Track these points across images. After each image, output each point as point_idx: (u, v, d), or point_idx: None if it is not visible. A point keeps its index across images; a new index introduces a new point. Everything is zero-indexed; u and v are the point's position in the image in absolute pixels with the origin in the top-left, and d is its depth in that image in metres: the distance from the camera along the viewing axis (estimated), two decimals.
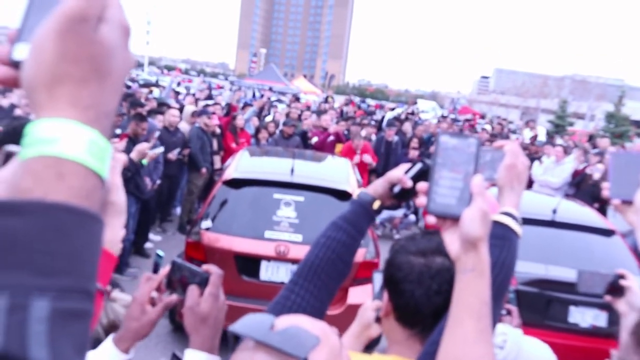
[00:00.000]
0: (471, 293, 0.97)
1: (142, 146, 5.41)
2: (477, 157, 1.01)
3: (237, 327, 0.85)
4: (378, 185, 1.34)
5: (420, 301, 1.19)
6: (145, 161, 5.82)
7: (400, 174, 1.29)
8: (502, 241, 1.22)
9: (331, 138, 9.33)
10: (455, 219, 0.99)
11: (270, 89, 23.18)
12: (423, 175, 1.24)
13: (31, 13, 0.58)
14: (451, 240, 1.00)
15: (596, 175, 8.42)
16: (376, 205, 1.33)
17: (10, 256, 0.44)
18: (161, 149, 6.12)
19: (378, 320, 1.48)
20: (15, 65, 0.56)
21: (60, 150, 0.48)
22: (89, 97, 0.52)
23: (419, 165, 1.27)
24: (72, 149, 0.49)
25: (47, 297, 0.44)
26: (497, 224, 1.26)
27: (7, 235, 0.44)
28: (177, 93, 15.09)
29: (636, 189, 1.46)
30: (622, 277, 1.80)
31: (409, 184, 1.27)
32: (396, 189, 1.30)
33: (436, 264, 1.19)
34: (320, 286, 1.26)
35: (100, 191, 0.52)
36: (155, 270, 2.09)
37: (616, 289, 1.79)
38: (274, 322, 0.85)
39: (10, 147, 0.86)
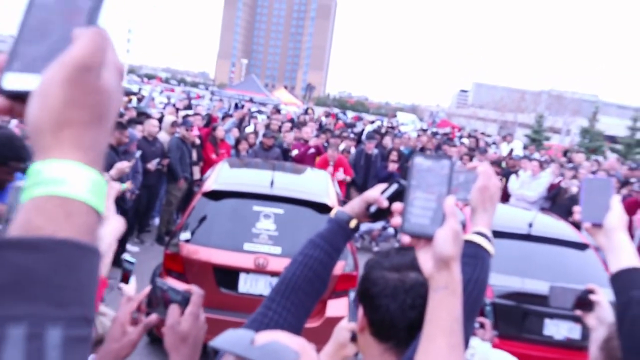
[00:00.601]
0: (444, 310, 1.00)
1: (122, 165, 5.25)
2: (450, 178, 1.04)
3: (217, 342, 0.86)
4: (355, 205, 1.37)
5: (395, 315, 1.21)
6: (125, 185, 5.82)
7: (377, 194, 1.33)
8: (475, 259, 1.27)
9: (312, 151, 9.36)
10: (428, 239, 1.02)
11: (251, 100, 23.14)
12: (399, 195, 1.28)
13: (21, 41, 0.59)
14: (425, 259, 1.03)
15: (573, 190, 8.58)
16: (353, 224, 1.36)
17: (27, 289, 0.48)
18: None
19: (354, 339, 1.50)
20: (4, 93, 0.58)
21: (67, 190, 0.53)
22: (91, 139, 0.56)
23: (395, 186, 1.32)
24: (77, 190, 0.54)
25: (60, 326, 0.48)
26: (470, 243, 1.30)
27: (26, 270, 0.48)
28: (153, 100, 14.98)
29: (605, 213, 1.51)
30: (591, 292, 1.83)
31: (385, 204, 1.31)
32: (372, 209, 1.33)
33: (410, 279, 1.22)
34: (297, 303, 1.28)
35: (99, 225, 0.56)
36: (125, 278, 2.08)
37: (586, 303, 1.83)
38: (254, 337, 0.87)
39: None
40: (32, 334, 0.46)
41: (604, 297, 1.83)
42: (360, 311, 1.29)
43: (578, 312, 1.85)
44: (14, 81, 0.57)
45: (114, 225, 1.49)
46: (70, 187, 0.53)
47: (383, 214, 1.33)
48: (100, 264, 0.56)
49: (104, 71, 0.56)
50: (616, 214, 1.51)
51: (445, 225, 1.01)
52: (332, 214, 1.39)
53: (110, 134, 0.59)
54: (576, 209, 1.55)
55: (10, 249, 0.49)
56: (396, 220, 1.06)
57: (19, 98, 0.58)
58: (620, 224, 1.50)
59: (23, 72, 0.57)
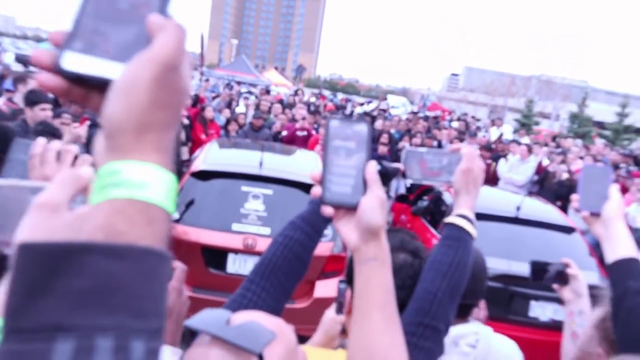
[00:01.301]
0: (375, 283, 0.95)
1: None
2: (369, 142, 0.96)
3: (192, 322, 0.84)
4: None
5: None
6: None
7: None
8: (457, 242, 1.26)
9: (303, 133, 9.30)
10: (351, 208, 0.96)
11: (238, 83, 22.93)
12: (383, 177, 1.25)
13: (84, 20, 0.55)
14: (347, 231, 0.96)
15: (563, 175, 8.64)
16: None
17: (112, 298, 0.47)
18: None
19: (343, 332, 1.48)
20: (63, 73, 0.54)
21: (149, 195, 0.52)
22: (168, 142, 0.55)
23: (377, 167, 1.29)
24: (158, 195, 0.52)
25: (143, 338, 0.47)
26: (452, 226, 1.30)
27: (110, 278, 0.47)
28: None
29: (603, 202, 1.50)
30: (567, 265, 1.92)
31: None
32: None
33: (399, 260, 1.22)
34: (277, 285, 1.26)
35: (169, 228, 0.55)
36: None
37: (562, 277, 1.92)
38: (230, 317, 0.85)
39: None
40: (119, 346, 0.45)
41: (579, 271, 1.91)
42: (349, 293, 1.28)
43: (555, 286, 1.93)
44: (76, 62, 0.53)
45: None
46: (152, 192, 0.52)
47: None
48: (170, 269, 0.55)
49: (182, 69, 0.54)
50: (615, 204, 1.49)
51: (369, 193, 0.94)
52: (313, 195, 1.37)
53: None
54: (574, 197, 1.53)
55: (96, 254, 0.47)
56: (316, 190, 0.98)
57: (78, 81, 0.54)
58: (619, 213, 1.49)
59: (87, 54, 0.53)
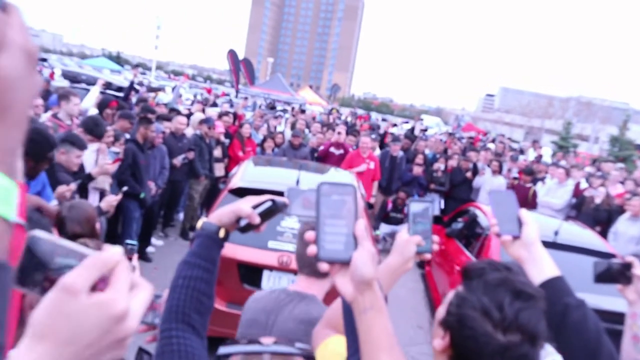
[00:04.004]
0: (377, 329, 1.03)
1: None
2: (356, 203, 1.07)
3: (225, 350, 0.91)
4: (223, 215, 1.32)
5: None
6: (143, 194, 5.97)
7: (249, 209, 1.30)
8: None
9: (340, 151, 9.32)
10: (344, 263, 1.05)
11: (271, 106, 23.17)
12: (270, 213, 1.30)
13: None
14: (343, 283, 1.05)
15: (597, 200, 8.45)
16: (222, 233, 1.32)
17: None
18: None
19: (419, 253, 1.46)
20: None
21: None
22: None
23: (268, 204, 1.31)
24: None
25: None
26: None
27: None
28: (180, 97, 15.18)
29: (519, 225, 1.54)
30: (630, 265, 1.86)
31: (257, 220, 1.29)
32: (242, 223, 1.31)
33: (516, 349, 1.10)
34: (193, 325, 1.24)
35: (7, 234, 0.49)
36: (129, 259, 2.17)
37: (626, 277, 1.86)
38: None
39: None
40: None
41: None
42: (447, 339, 1.20)
43: (618, 286, 1.88)
44: None
45: (144, 295, 1.32)
46: None
47: (252, 228, 1.31)
48: (10, 278, 0.47)
49: (3, 54, 0.47)
50: (533, 227, 1.54)
51: (360, 249, 1.04)
52: (199, 226, 1.34)
53: (21, 126, 0.50)
54: (492, 222, 1.56)
55: None
56: (311, 249, 1.06)
57: None
58: (538, 236, 1.54)
59: None
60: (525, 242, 1.52)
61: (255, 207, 1.31)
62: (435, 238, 1.47)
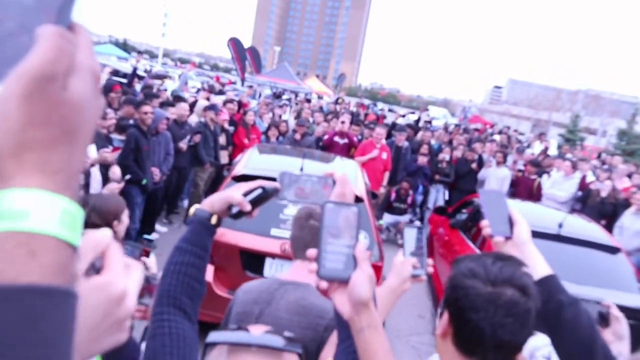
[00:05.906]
0: (374, 347, 1.07)
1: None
2: (359, 223, 1.10)
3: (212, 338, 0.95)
4: (215, 202, 1.34)
5: (485, 332, 1.19)
6: (145, 180, 5.97)
7: (240, 197, 1.32)
8: None
9: (344, 140, 9.30)
10: (343, 282, 1.07)
11: (277, 95, 23.11)
12: (261, 200, 1.32)
13: None
14: (341, 301, 1.09)
15: (603, 193, 8.40)
16: (214, 220, 1.34)
17: None
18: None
19: (414, 277, 1.57)
20: None
21: (31, 225, 0.45)
22: (59, 161, 0.48)
23: (259, 191, 1.33)
24: (43, 223, 0.45)
25: None
26: None
27: None
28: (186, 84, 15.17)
29: (510, 226, 1.54)
30: (609, 308, 1.91)
31: (248, 208, 1.32)
32: (234, 210, 1.33)
33: (505, 296, 1.19)
34: (184, 309, 1.27)
35: (74, 261, 0.49)
36: (146, 253, 2.14)
37: (604, 319, 1.90)
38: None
39: None
40: None
41: (620, 313, 1.91)
42: (446, 317, 1.28)
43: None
44: None
45: (137, 275, 1.37)
46: (34, 221, 0.45)
47: (243, 214, 1.33)
48: (77, 305, 0.47)
49: (71, 79, 0.48)
50: (525, 227, 1.55)
51: (360, 270, 1.06)
52: (191, 212, 1.37)
53: (86, 148, 0.51)
54: (484, 223, 1.56)
55: None
56: (313, 266, 1.08)
57: None
58: (529, 236, 1.55)
59: None
60: (517, 242, 1.53)
61: (246, 194, 1.33)
62: (429, 261, 1.61)
